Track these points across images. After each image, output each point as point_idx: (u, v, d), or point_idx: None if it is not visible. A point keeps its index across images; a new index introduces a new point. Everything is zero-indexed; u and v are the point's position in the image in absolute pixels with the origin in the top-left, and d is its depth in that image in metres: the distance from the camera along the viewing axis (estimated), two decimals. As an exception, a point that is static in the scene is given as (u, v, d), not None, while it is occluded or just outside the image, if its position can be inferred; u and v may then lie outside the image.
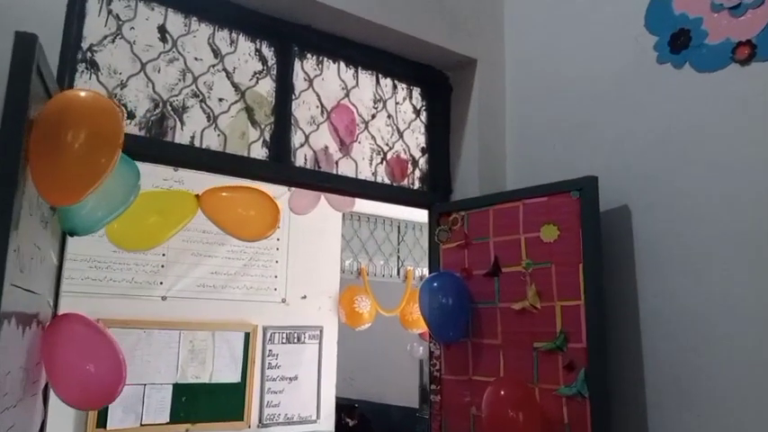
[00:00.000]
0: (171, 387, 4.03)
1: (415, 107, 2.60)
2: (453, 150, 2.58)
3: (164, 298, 4.10)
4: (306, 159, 2.24)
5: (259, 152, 2.14)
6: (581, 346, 1.93)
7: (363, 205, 4.87)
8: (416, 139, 2.58)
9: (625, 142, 2.10)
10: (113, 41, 1.89)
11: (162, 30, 1.99)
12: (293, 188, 3.74)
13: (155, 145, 1.93)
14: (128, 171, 1.68)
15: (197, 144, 2.01)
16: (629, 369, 1.98)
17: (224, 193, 2.24)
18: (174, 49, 2.01)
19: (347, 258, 4.95)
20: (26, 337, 1.37)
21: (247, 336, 4.33)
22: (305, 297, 4.59)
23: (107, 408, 3.77)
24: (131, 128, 1.90)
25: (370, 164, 2.42)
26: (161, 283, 4.09)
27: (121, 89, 1.89)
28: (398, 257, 5.30)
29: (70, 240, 1.70)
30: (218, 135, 2.06)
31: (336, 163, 2.33)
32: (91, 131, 1.21)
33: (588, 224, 1.96)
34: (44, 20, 1.57)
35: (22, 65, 1.08)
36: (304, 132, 2.25)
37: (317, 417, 4.53)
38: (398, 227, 5.33)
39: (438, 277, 2.33)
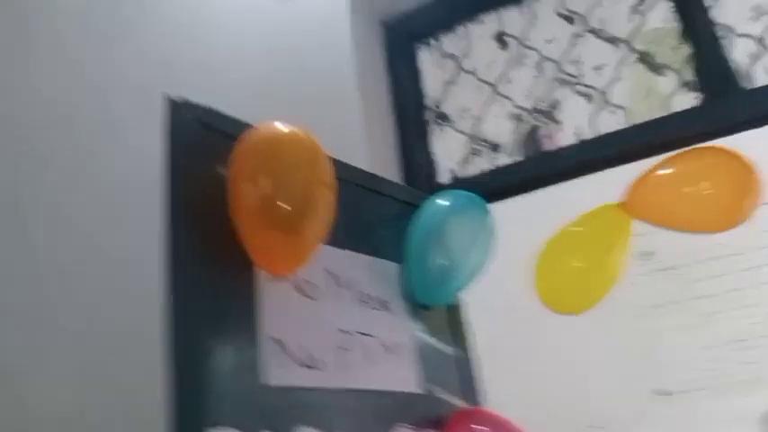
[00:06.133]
0: None
1: None
2: None
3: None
4: (772, 73, 1.29)
5: (683, 100, 1.37)
6: None
7: None
8: None
9: None
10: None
11: (499, 37, 1.63)
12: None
13: (532, 164, 1.49)
14: (471, 212, 1.30)
15: (587, 137, 1.45)
16: None
17: (661, 175, 1.43)
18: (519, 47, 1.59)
19: None
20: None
21: None
22: None
23: None
24: (503, 159, 1.54)
25: None
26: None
27: (479, 125, 1.59)
28: None
29: None
30: (613, 113, 1.44)
31: None
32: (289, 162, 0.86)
33: None
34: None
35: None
36: (754, 38, 1.34)
37: None
38: None
39: None
